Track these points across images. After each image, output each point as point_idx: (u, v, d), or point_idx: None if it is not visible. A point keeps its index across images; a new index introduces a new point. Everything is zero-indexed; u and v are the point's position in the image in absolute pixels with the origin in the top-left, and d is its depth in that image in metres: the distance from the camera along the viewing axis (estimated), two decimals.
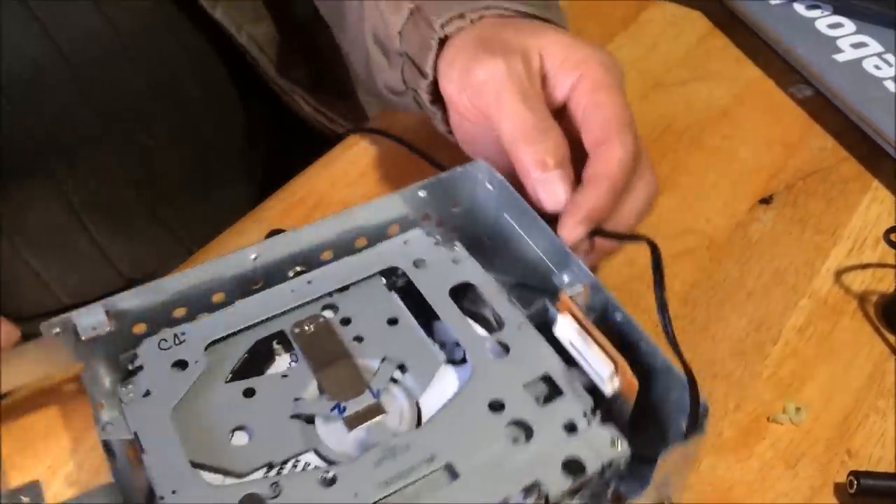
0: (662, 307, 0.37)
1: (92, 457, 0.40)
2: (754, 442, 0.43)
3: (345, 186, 0.55)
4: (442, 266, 0.42)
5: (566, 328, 0.39)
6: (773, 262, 0.51)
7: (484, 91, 0.44)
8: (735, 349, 0.47)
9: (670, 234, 0.45)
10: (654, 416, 0.38)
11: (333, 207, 0.52)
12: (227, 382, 0.39)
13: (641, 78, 0.63)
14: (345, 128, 0.65)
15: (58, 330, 0.37)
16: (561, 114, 0.45)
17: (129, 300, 0.39)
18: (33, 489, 0.34)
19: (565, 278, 0.40)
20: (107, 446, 0.37)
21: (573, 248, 0.41)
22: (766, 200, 0.55)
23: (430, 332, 0.41)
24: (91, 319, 0.38)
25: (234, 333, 0.40)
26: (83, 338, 0.38)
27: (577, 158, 0.44)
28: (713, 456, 0.42)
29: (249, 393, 0.38)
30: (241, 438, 0.37)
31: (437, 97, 0.48)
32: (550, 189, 0.42)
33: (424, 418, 0.38)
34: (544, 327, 0.40)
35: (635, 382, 0.37)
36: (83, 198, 0.55)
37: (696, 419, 0.35)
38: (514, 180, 0.44)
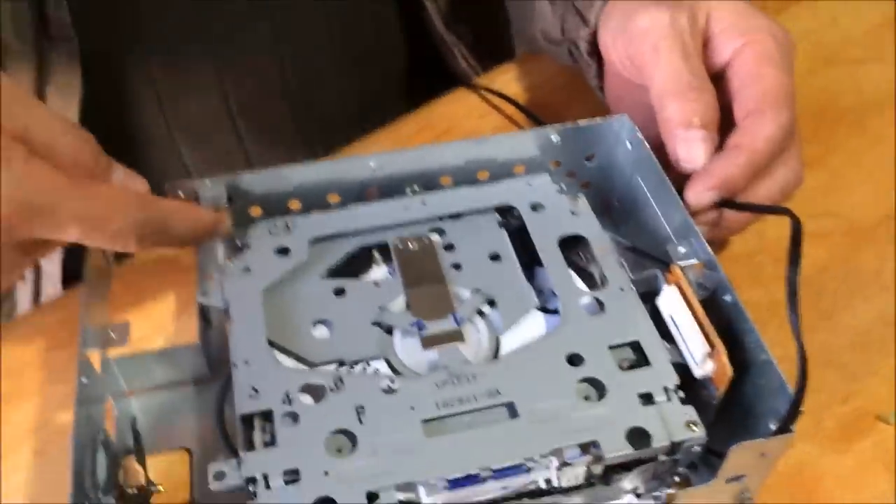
0: (792, 289, 0.34)
1: (194, 324, 0.43)
2: (856, 438, 0.39)
3: (478, 117, 0.54)
4: (559, 214, 0.41)
5: (670, 301, 0.37)
6: None
7: (642, 40, 0.42)
8: (856, 341, 0.43)
9: (809, 214, 0.42)
10: (739, 414, 0.35)
11: (462, 136, 0.52)
12: (322, 278, 0.39)
13: (813, 51, 0.58)
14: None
15: (181, 194, 0.40)
16: (717, 80, 0.42)
17: (250, 181, 0.40)
18: (122, 329, 0.36)
19: (681, 249, 0.38)
20: (202, 311, 0.39)
21: (697, 214, 0.39)
22: None
23: (531, 276, 0.40)
24: (213, 191, 0.40)
25: (340, 235, 0.41)
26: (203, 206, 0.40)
27: (725, 129, 0.41)
28: (809, 443, 0.39)
29: (340, 292, 0.39)
30: (321, 331, 0.38)
31: (595, 49, 0.47)
32: (691, 148, 0.40)
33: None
34: (649, 298, 0.38)
35: (730, 372, 0.34)
36: (241, 101, 0.57)
37: (791, 419, 0.32)
38: (658, 143, 0.42)
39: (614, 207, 0.45)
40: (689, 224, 0.38)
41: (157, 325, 0.43)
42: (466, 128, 0.53)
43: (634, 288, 0.38)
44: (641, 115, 0.43)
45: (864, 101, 0.55)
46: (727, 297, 0.36)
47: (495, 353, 0.37)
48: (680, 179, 0.41)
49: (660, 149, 0.42)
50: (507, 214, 0.42)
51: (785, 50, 0.41)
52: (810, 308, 0.44)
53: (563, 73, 0.54)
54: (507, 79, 0.56)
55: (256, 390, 0.34)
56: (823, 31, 0.60)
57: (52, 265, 0.51)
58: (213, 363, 0.40)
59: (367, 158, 0.41)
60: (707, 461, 0.35)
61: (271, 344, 0.36)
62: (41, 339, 0.43)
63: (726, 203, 0.39)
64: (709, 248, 0.37)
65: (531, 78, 0.56)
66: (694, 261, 0.37)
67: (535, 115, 0.52)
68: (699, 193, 0.39)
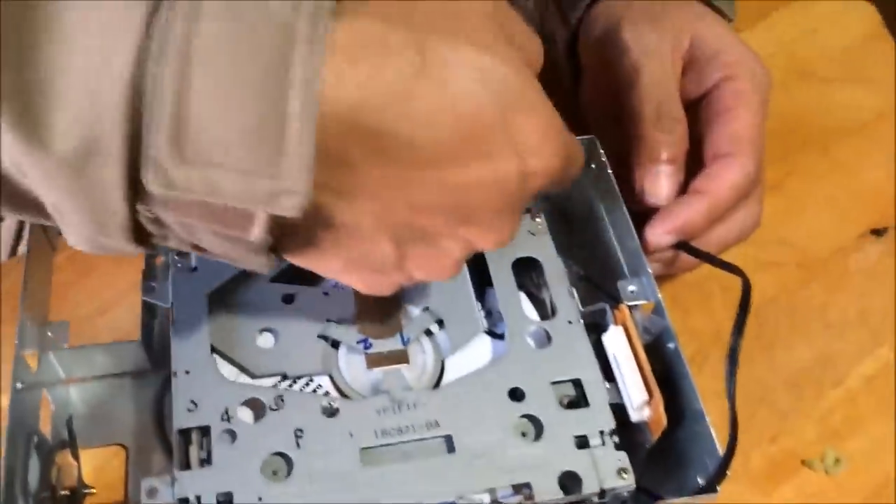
0: (733, 355, 0.35)
1: (139, 306, 0.42)
2: (780, 480, 0.41)
3: None
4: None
5: (615, 341, 0.37)
6: (864, 300, 0.47)
7: (624, 57, 0.41)
8: (791, 380, 0.44)
9: (762, 241, 0.42)
10: (673, 456, 0.36)
11: None
12: (271, 281, 0.39)
13: (787, 64, 0.57)
14: None
15: None
16: (690, 107, 0.42)
17: None
18: (61, 329, 0.35)
19: (631, 288, 0.38)
20: (147, 307, 0.38)
21: (652, 252, 0.39)
22: (878, 232, 0.50)
23: (482, 295, 0.40)
24: None
25: None
26: None
27: (692, 160, 0.41)
28: (734, 483, 0.39)
29: (288, 299, 0.38)
30: (266, 340, 0.37)
31: (572, 51, 0.46)
32: (655, 182, 0.40)
33: (445, 380, 0.37)
34: (595, 330, 0.38)
35: (664, 422, 0.35)
36: None
37: (717, 480, 0.33)
38: (626, 157, 0.42)
39: (571, 222, 0.45)
40: (643, 262, 0.38)
41: (102, 303, 0.43)
42: None
43: (582, 321, 0.38)
44: (614, 124, 0.43)
45: (832, 123, 0.55)
46: (670, 345, 0.36)
47: (439, 376, 0.37)
48: (639, 206, 0.41)
49: (627, 162, 0.42)
50: None
51: (762, 90, 0.41)
52: (751, 339, 0.45)
53: None
54: None
55: (195, 404, 0.34)
56: (801, 42, 0.59)
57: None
58: (154, 356, 0.39)
59: None
60: (637, 498, 0.36)
61: (214, 350, 0.36)
62: None
63: (683, 246, 0.39)
64: (657, 291, 0.37)
65: None
66: (643, 301, 0.38)
67: None
68: (658, 235, 0.39)
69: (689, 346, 0.42)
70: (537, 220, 0.42)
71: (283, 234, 0.25)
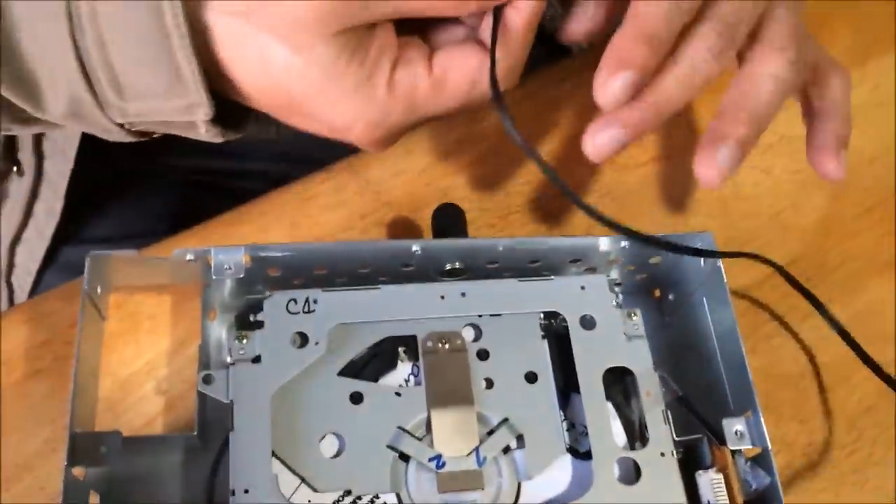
0: None
1: (189, 369, 0.38)
2: None
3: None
4: (610, 338, 0.37)
5: (713, 488, 0.34)
6: None
7: None
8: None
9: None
10: None
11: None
12: (338, 375, 0.35)
13: None
14: None
15: (191, 258, 0.34)
16: None
17: (273, 251, 0.35)
18: (113, 441, 0.32)
19: (737, 429, 0.34)
20: (201, 395, 0.35)
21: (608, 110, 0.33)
22: None
23: (565, 401, 0.37)
24: (228, 258, 0.35)
25: (366, 322, 0.36)
26: (214, 277, 0.35)
27: None
28: None
29: (356, 398, 0.35)
30: (330, 446, 0.34)
31: None
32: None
33: None
34: (689, 461, 0.35)
35: None
36: None
37: None
38: None
39: (671, 323, 0.41)
40: (753, 398, 0.34)
41: (149, 363, 0.39)
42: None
43: (675, 455, 0.35)
44: None
45: None
46: None
47: (515, 501, 0.34)
48: None
49: None
50: (552, 316, 0.38)
51: None
52: (854, 463, 0.41)
53: None
54: None
55: None
56: None
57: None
58: (205, 430, 0.36)
59: (410, 244, 0.36)
60: None
61: (275, 455, 0.33)
62: (15, 362, 0.38)
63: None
64: (767, 438, 0.34)
65: None
66: (748, 445, 0.34)
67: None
68: (606, 84, 0.32)
69: (778, 458, 0.38)
70: (634, 318, 0.37)
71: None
